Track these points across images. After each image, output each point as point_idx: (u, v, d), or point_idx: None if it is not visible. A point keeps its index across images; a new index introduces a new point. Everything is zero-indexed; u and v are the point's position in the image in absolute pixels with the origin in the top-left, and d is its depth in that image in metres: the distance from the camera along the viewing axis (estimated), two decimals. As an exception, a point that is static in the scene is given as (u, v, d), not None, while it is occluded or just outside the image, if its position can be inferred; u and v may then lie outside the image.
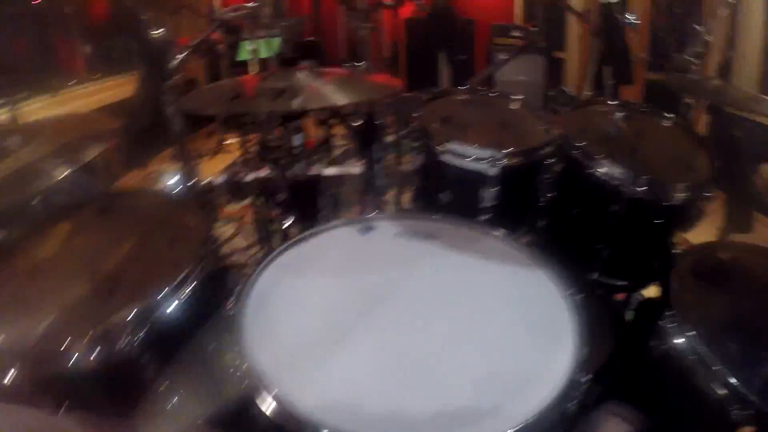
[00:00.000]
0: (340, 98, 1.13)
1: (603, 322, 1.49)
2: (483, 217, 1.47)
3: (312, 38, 4.33)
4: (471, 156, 1.41)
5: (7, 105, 2.66)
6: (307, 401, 0.83)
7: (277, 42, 2.63)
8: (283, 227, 1.42)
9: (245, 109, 1.04)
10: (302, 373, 0.90)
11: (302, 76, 1.22)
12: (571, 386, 0.87)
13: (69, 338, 0.99)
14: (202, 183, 1.53)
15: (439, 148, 1.46)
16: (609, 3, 2.48)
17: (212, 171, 3.83)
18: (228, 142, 4.22)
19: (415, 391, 0.88)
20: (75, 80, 3.91)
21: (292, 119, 1.25)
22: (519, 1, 5.02)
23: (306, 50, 4.19)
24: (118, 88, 3.89)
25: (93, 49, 4.13)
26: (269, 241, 1.92)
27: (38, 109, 3.08)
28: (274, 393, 0.83)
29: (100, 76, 4.10)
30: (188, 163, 1.55)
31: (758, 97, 1.59)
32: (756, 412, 0.92)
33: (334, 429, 0.77)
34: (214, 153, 4.17)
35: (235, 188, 1.56)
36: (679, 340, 1.06)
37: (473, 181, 1.44)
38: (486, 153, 1.39)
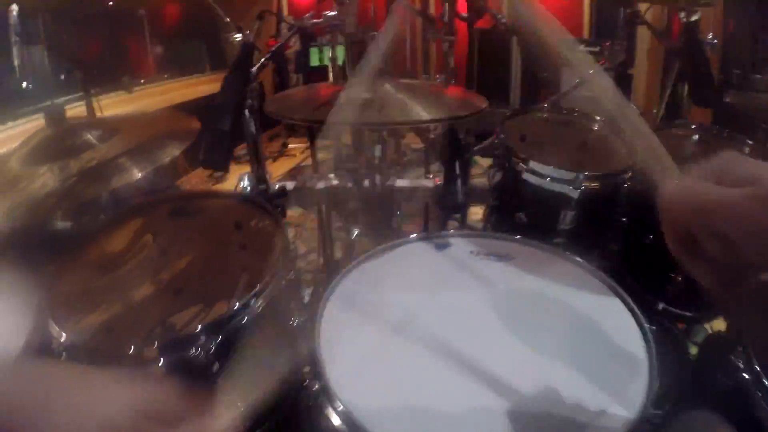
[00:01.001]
0: (425, 113, 1.12)
1: (668, 355, 1.44)
2: (559, 240, 1.44)
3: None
4: (552, 177, 1.39)
5: (83, 99, 2.78)
6: (372, 416, 0.82)
7: (341, 50, 2.65)
8: (351, 237, 1.42)
9: (332, 119, 1.05)
10: (370, 387, 0.89)
11: (387, 88, 1.21)
12: (644, 420, 0.83)
13: (130, 340, 1.00)
14: (275, 187, 1.54)
15: (521, 167, 1.44)
16: (692, 21, 2.38)
17: (275, 174, 3.90)
18: (291, 146, 4.28)
19: (481, 416, 0.85)
20: (144, 80, 4.07)
21: (374, 130, 1.25)
22: (587, 16, 4.92)
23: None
24: (187, 88, 4.03)
25: (163, 51, 4.29)
26: (331, 249, 1.92)
27: (114, 104, 3.22)
28: (341, 407, 0.82)
29: (168, 77, 4.26)
30: (262, 167, 1.57)
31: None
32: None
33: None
34: (277, 156, 4.24)
35: (305, 194, 1.56)
36: (747, 376, 1.01)
37: (553, 202, 1.41)
38: (569, 174, 1.36)
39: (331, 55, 2.10)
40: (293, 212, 2.73)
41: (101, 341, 1.03)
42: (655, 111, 2.80)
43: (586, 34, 4.92)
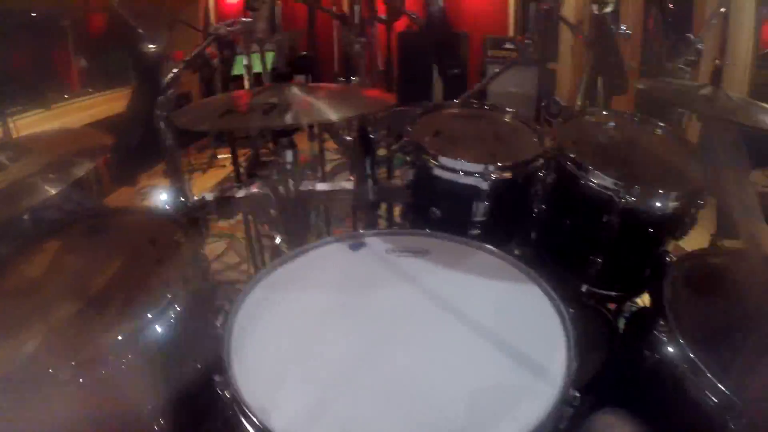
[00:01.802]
0: (331, 113, 1.12)
1: (596, 333, 1.49)
2: (475, 231, 1.46)
3: (306, 52, 4.35)
4: (463, 170, 1.41)
5: (1, 119, 2.66)
6: (290, 422, 0.82)
7: (270, 56, 2.63)
8: (274, 245, 1.41)
9: (236, 125, 1.04)
10: (287, 392, 0.89)
11: (294, 92, 1.22)
12: (563, 402, 0.86)
13: (56, 361, 0.97)
14: (194, 200, 1.51)
15: (431, 163, 1.46)
16: (602, 14, 2.49)
17: (205, 186, 3.83)
18: (221, 156, 4.22)
19: (405, 409, 0.86)
20: (69, 94, 3.91)
21: (283, 135, 1.25)
22: (512, 14, 5.06)
23: (300, 64, 4.20)
24: (113, 102, 3.89)
25: (89, 63, 4.13)
26: (261, 257, 1.91)
27: (32, 122, 3.09)
28: (255, 414, 0.82)
29: (94, 91, 4.10)
30: (179, 180, 1.54)
31: (747, 105, 1.59)
32: (748, 420, 0.91)
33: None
34: (207, 168, 4.16)
35: (226, 204, 1.54)
36: (671, 350, 1.06)
37: (465, 195, 1.44)
38: (477, 167, 1.38)
39: (246, 62, 2.08)
40: (224, 223, 2.70)
41: (25, 369, 1.00)
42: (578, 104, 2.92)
43: (511, 32, 5.05)
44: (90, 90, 4.08)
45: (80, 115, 3.65)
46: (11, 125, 2.55)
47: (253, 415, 0.82)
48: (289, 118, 1.09)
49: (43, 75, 3.76)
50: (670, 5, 3.82)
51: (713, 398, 0.96)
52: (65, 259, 1.29)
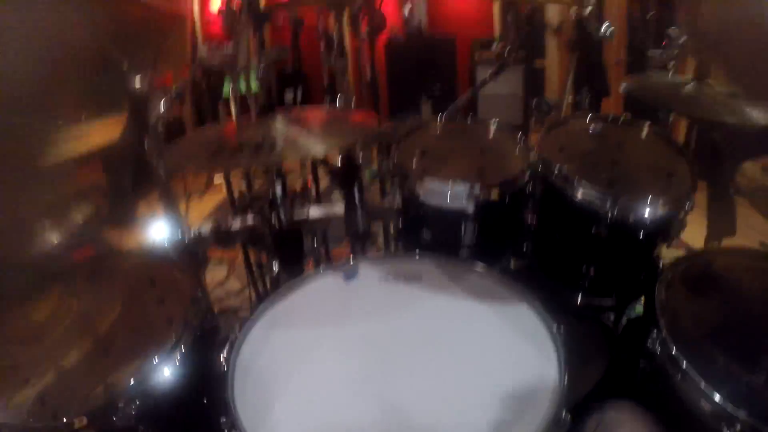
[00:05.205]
0: (318, 147, 1.15)
1: (594, 343, 1.51)
2: (465, 252, 1.48)
3: (293, 66, 4.36)
4: (447, 193, 1.42)
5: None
6: None
7: (253, 78, 2.62)
8: (272, 273, 1.43)
9: (226, 165, 1.06)
10: (295, 429, 0.92)
11: (279, 126, 1.24)
12: (555, 424, 0.88)
13: (65, 410, 0.99)
14: (190, 234, 1.53)
15: (416, 187, 1.47)
16: (582, 16, 2.50)
17: (202, 211, 3.83)
18: (217, 181, 4.21)
19: None
20: (61, 122, 3.92)
21: (272, 168, 1.27)
22: (498, 16, 5.08)
23: (290, 80, 4.21)
24: (105, 129, 3.89)
25: (80, 90, 4.14)
26: (262, 283, 1.93)
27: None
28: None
29: (86, 118, 4.11)
30: (175, 213, 1.56)
31: (734, 100, 1.59)
32: (745, 427, 0.92)
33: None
34: (203, 192, 4.16)
35: (222, 236, 1.56)
36: (665, 358, 1.06)
37: (453, 217, 1.45)
38: (462, 189, 1.40)
39: (231, 87, 2.08)
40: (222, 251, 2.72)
41: (35, 416, 1.02)
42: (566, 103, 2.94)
43: (497, 33, 5.07)
44: (81, 118, 4.09)
45: (74, 144, 3.66)
46: None
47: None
48: (275, 156, 1.12)
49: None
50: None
51: (708, 405, 0.97)
52: (69, 304, 1.30)
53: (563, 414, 0.89)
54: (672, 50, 2.03)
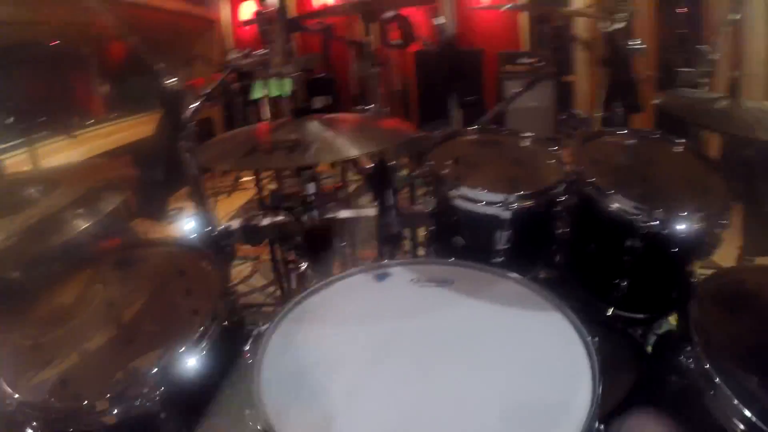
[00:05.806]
0: (351, 150, 1.15)
1: (623, 357, 1.48)
2: (498, 259, 1.47)
3: (324, 74, 4.41)
4: (483, 200, 1.42)
5: (25, 145, 2.72)
6: None
7: (288, 82, 2.65)
8: (300, 271, 1.44)
9: (260, 165, 1.07)
10: (320, 424, 0.91)
11: (314, 127, 1.25)
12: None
13: (87, 392, 1.01)
14: (219, 229, 1.55)
15: (451, 193, 1.47)
16: (613, 31, 2.49)
17: (229, 209, 3.88)
18: (244, 179, 4.26)
19: None
20: (93, 120, 4.01)
21: (306, 168, 1.28)
22: (525, 28, 5.08)
23: (319, 86, 4.24)
24: (137, 127, 3.97)
25: (110, 89, 4.23)
26: (287, 280, 1.94)
27: (56, 150, 3.16)
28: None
29: (117, 116, 4.20)
30: (205, 207, 1.58)
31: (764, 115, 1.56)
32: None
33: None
34: (231, 191, 4.22)
35: (251, 232, 1.57)
36: (698, 375, 1.05)
37: (486, 224, 1.44)
38: (498, 197, 1.39)
39: (264, 90, 2.10)
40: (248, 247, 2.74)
41: (56, 397, 1.03)
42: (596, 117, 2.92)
43: (524, 46, 5.07)
44: (114, 115, 4.19)
45: (105, 141, 3.74)
46: (39, 151, 2.61)
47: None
48: (310, 157, 1.12)
49: (65, 103, 3.86)
50: (678, 9, 3.81)
51: (741, 425, 0.95)
52: (96, 290, 1.33)
53: (596, 426, 0.87)
54: (702, 68, 2.01)
